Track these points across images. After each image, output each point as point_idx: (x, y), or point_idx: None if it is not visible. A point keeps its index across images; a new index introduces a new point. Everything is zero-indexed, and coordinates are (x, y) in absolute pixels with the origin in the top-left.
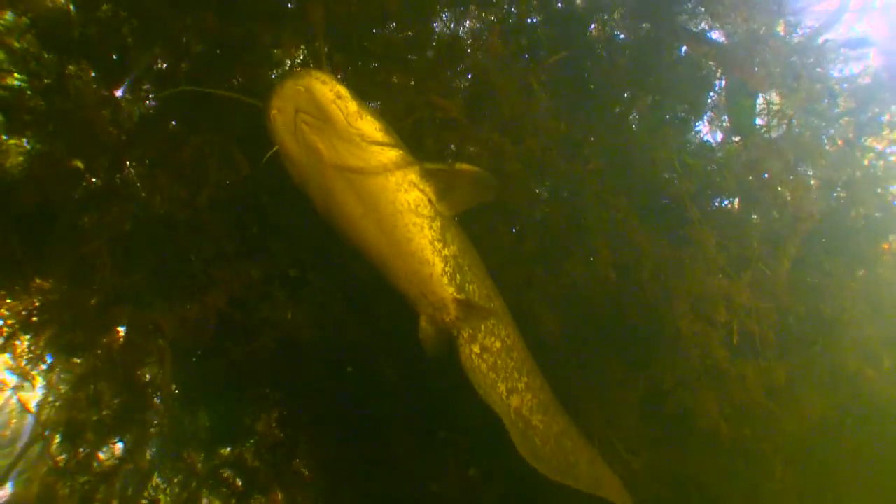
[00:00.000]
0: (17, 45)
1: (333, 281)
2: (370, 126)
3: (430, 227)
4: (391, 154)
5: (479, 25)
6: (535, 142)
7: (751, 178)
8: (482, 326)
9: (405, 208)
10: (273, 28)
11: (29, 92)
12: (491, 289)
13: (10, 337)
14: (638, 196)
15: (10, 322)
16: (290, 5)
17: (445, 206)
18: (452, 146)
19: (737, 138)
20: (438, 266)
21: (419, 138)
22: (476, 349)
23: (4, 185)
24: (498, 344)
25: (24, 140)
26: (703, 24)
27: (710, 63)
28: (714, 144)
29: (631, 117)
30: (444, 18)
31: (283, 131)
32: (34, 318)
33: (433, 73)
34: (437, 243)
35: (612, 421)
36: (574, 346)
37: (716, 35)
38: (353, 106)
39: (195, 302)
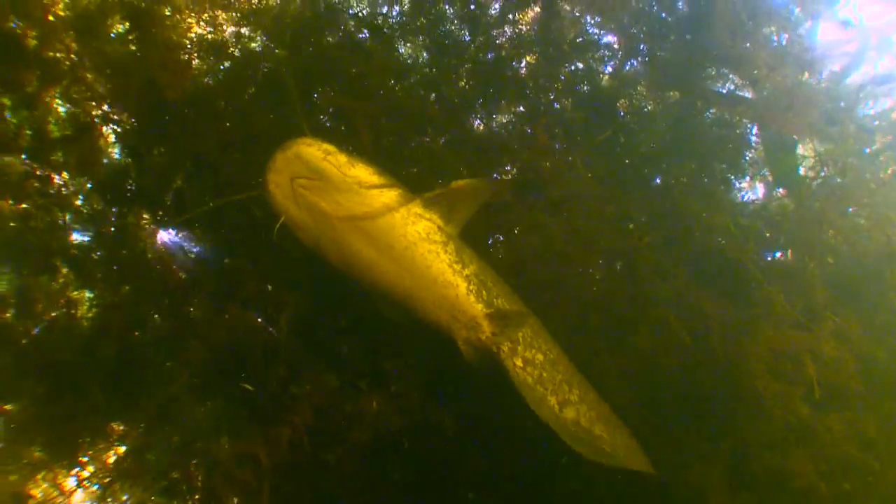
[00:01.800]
0: (79, 204)
1: (411, 367)
2: (364, 172)
3: (446, 251)
4: (391, 193)
5: (512, 118)
6: (585, 221)
7: (803, 228)
8: (520, 338)
9: (417, 238)
10: None
11: (94, 246)
12: (520, 304)
13: (109, 485)
14: (694, 262)
15: (101, 471)
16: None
17: (453, 227)
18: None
19: (781, 191)
20: (462, 286)
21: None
22: (518, 362)
23: (81, 337)
24: (540, 356)
25: (89, 291)
26: (729, 85)
27: (744, 120)
28: (757, 200)
29: (672, 184)
30: (479, 117)
31: (284, 202)
32: (126, 464)
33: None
34: (455, 265)
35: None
36: (649, 421)
37: (745, 93)
38: (342, 158)
39: (283, 424)
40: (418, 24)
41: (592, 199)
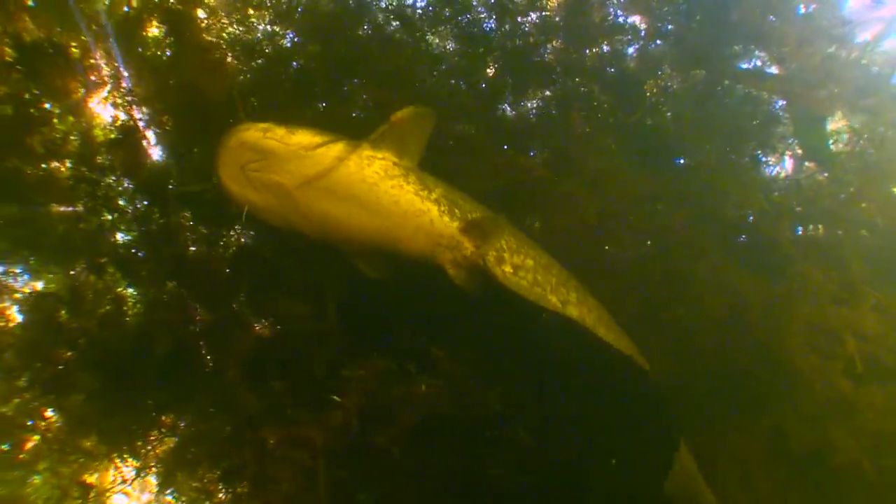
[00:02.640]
0: (123, 205)
1: (458, 348)
2: (305, 136)
3: (408, 182)
4: (337, 146)
5: (540, 103)
6: (617, 201)
7: (835, 202)
8: (505, 245)
9: (377, 179)
10: None
11: (138, 245)
12: (483, 209)
13: (169, 475)
14: (727, 239)
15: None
16: None
17: (409, 159)
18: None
19: (811, 165)
20: (433, 209)
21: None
22: (508, 269)
23: (130, 333)
24: (530, 262)
25: (135, 289)
26: (756, 62)
27: (772, 97)
28: (788, 175)
29: (702, 163)
30: (509, 103)
31: (242, 191)
32: (182, 452)
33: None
34: (421, 192)
35: (743, 466)
36: (689, 397)
37: (772, 69)
38: (281, 130)
39: (335, 407)
40: (446, 13)
41: (624, 179)
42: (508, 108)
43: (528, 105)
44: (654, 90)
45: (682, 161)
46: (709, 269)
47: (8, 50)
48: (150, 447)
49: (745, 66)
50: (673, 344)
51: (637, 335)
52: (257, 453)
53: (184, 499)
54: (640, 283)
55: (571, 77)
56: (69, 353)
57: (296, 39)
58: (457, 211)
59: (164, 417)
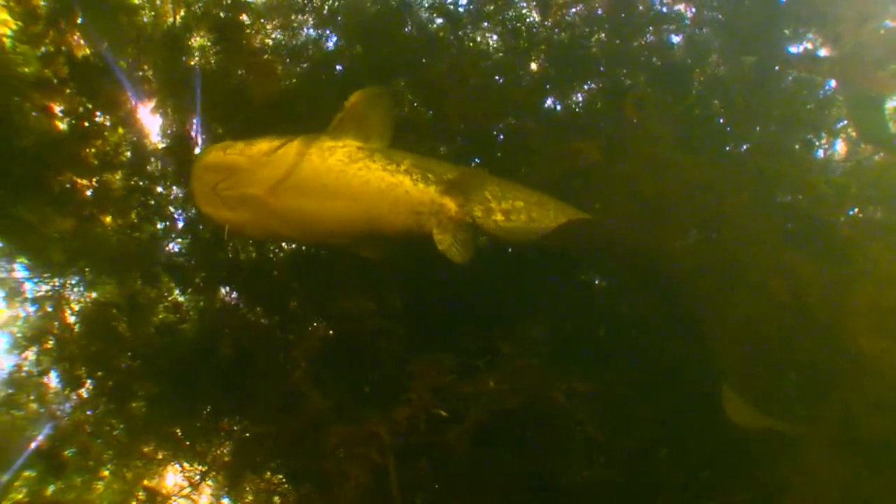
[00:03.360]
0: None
1: (524, 343)
2: (263, 143)
3: (374, 161)
4: (295, 144)
5: (587, 96)
6: (673, 189)
7: (894, 182)
8: (489, 196)
9: (342, 165)
10: None
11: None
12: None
13: (236, 477)
14: (784, 225)
15: (226, 463)
16: None
17: (375, 142)
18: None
19: (866, 146)
20: (406, 180)
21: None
22: (500, 217)
23: (187, 339)
24: (520, 203)
25: (190, 296)
26: (807, 44)
27: (826, 79)
28: (843, 158)
29: (755, 149)
30: (556, 96)
31: (220, 213)
32: (256, 457)
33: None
34: (389, 167)
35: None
36: (752, 387)
37: (825, 51)
38: (239, 144)
39: (402, 403)
40: (489, 9)
41: (678, 167)
42: (556, 102)
43: (576, 98)
44: (702, 78)
45: (733, 148)
46: (767, 255)
47: (62, 67)
48: (214, 451)
49: (796, 49)
50: (735, 333)
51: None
52: (325, 452)
53: (250, 499)
54: (698, 270)
55: (618, 68)
56: (129, 362)
57: (339, 42)
58: (430, 176)
59: (227, 421)
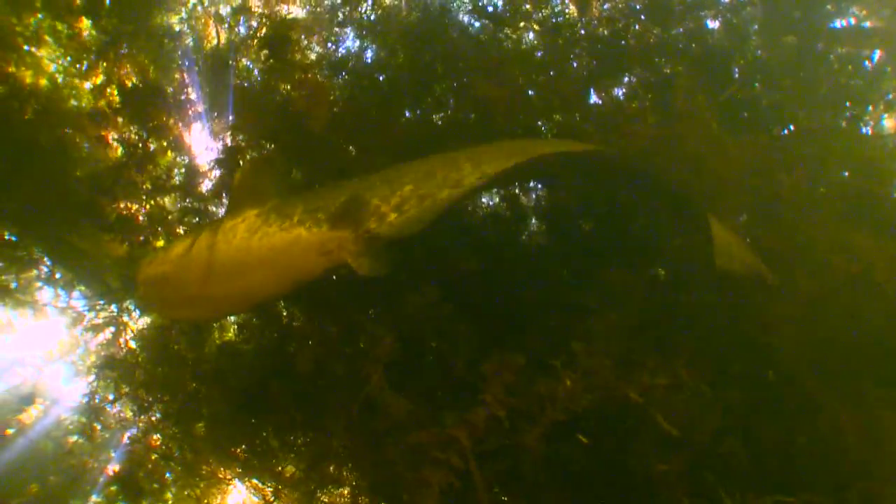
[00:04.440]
0: None
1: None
2: (178, 245)
3: (270, 224)
4: (204, 236)
5: (631, 87)
6: (725, 173)
7: None
8: (376, 201)
9: (246, 241)
10: None
11: None
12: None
13: (311, 493)
14: (842, 202)
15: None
16: None
17: (269, 200)
18: None
19: None
20: (301, 231)
21: None
22: (392, 216)
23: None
24: (408, 188)
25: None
26: (850, 19)
27: (874, 52)
28: (890, 132)
29: (805, 129)
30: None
31: (175, 315)
32: (333, 469)
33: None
34: (284, 224)
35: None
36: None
37: (870, 22)
38: (160, 253)
39: (478, 405)
40: (526, 6)
41: (727, 153)
42: (599, 95)
43: (618, 91)
44: (743, 62)
45: (779, 130)
46: (828, 234)
47: (114, 96)
48: (284, 467)
49: (839, 24)
50: (800, 312)
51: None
52: (405, 459)
53: None
54: (760, 253)
55: (658, 58)
56: (194, 383)
57: (382, 52)
58: (320, 215)
59: (297, 436)
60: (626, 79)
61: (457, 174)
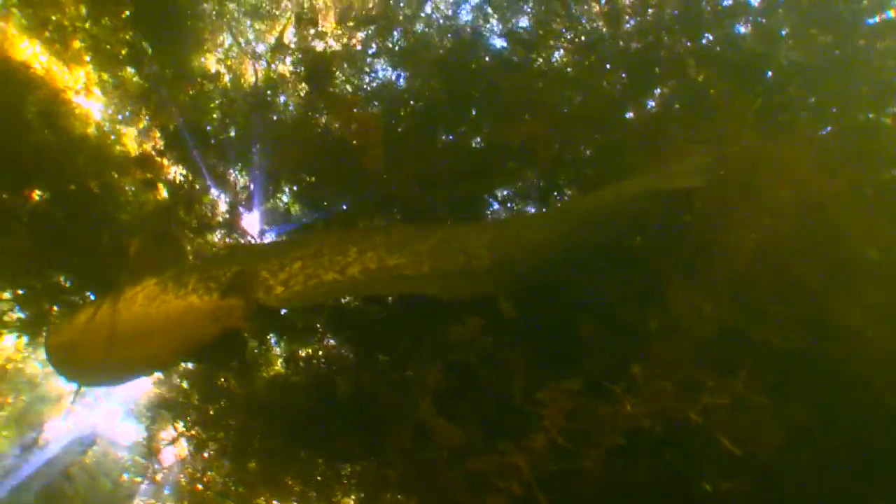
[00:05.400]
0: None
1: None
2: (82, 314)
3: (167, 292)
4: (106, 304)
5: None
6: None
7: None
8: (266, 274)
9: (145, 308)
10: None
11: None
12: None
13: None
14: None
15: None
16: None
17: (170, 269)
18: None
19: None
20: (194, 298)
21: None
22: (279, 290)
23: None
24: (297, 264)
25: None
26: (888, 13)
27: None
28: None
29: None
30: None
31: (87, 379)
32: (388, 498)
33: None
34: (180, 293)
35: None
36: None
37: None
38: (65, 322)
39: (537, 431)
40: (556, 27)
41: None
42: (633, 110)
43: (651, 104)
44: (776, 64)
45: (816, 131)
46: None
47: (157, 140)
48: (339, 498)
49: (876, 20)
50: (862, 319)
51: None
52: (463, 486)
53: None
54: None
55: (690, 68)
56: (245, 419)
57: (416, 80)
58: (212, 284)
59: (349, 467)
60: (658, 91)
61: (342, 259)
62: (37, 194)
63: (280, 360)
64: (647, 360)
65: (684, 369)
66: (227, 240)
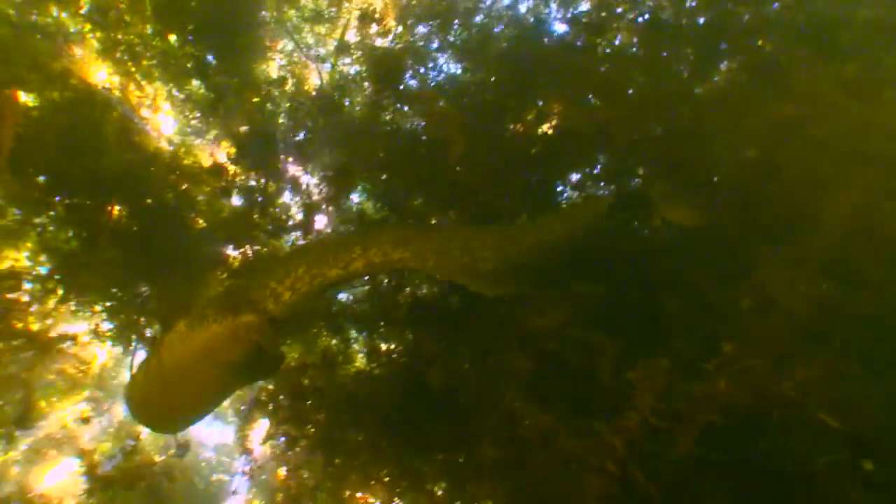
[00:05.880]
0: None
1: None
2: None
3: (192, 328)
4: (152, 353)
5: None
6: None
7: None
8: (273, 284)
9: (181, 341)
10: None
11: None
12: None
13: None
14: None
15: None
16: None
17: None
18: None
19: None
20: (216, 328)
21: None
22: (286, 295)
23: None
24: (301, 269)
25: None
26: None
27: None
28: None
29: None
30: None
31: (161, 421)
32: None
33: None
34: (203, 324)
35: None
36: None
37: None
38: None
39: (628, 409)
40: (618, 10)
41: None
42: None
43: (718, 79)
44: (853, 29)
45: None
46: None
47: (229, 148)
48: (430, 487)
49: None
50: None
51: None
52: (555, 470)
53: None
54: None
55: (757, 38)
56: (332, 414)
57: (480, 72)
58: (227, 309)
59: (441, 454)
60: (723, 65)
61: (347, 256)
62: (116, 210)
63: (361, 356)
64: (738, 338)
65: (778, 345)
66: (300, 241)
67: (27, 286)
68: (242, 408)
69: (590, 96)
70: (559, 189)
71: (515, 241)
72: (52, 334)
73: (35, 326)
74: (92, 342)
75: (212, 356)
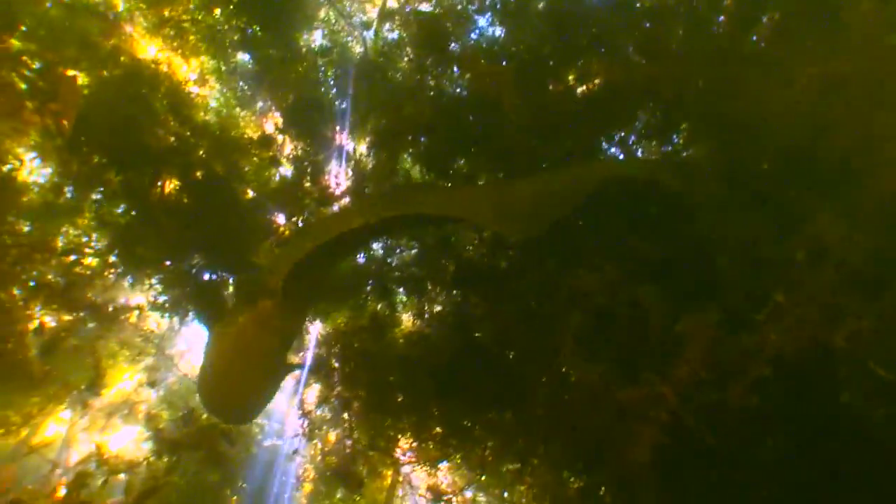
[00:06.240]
0: None
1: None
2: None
3: (229, 325)
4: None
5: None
6: None
7: None
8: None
9: (223, 337)
10: None
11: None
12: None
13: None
14: None
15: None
16: None
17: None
18: None
19: None
20: (241, 319)
21: None
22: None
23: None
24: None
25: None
26: None
27: None
28: None
29: None
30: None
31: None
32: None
33: None
34: (231, 327)
35: None
36: None
37: None
38: None
39: (681, 362)
40: None
41: None
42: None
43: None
44: None
45: None
46: None
47: (276, 119)
48: (482, 446)
49: None
50: None
51: None
52: (613, 418)
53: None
54: None
55: None
56: (383, 376)
57: (520, 32)
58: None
59: (490, 413)
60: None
61: (348, 219)
62: (168, 183)
63: (408, 318)
64: (790, 289)
65: (830, 296)
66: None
67: (87, 261)
68: (296, 373)
69: (631, 53)
70: (603, 147)
71: (548, 183)
72: (114, 306)
73: (97, 299)
74: (150, 314)
75: (247, 348)
